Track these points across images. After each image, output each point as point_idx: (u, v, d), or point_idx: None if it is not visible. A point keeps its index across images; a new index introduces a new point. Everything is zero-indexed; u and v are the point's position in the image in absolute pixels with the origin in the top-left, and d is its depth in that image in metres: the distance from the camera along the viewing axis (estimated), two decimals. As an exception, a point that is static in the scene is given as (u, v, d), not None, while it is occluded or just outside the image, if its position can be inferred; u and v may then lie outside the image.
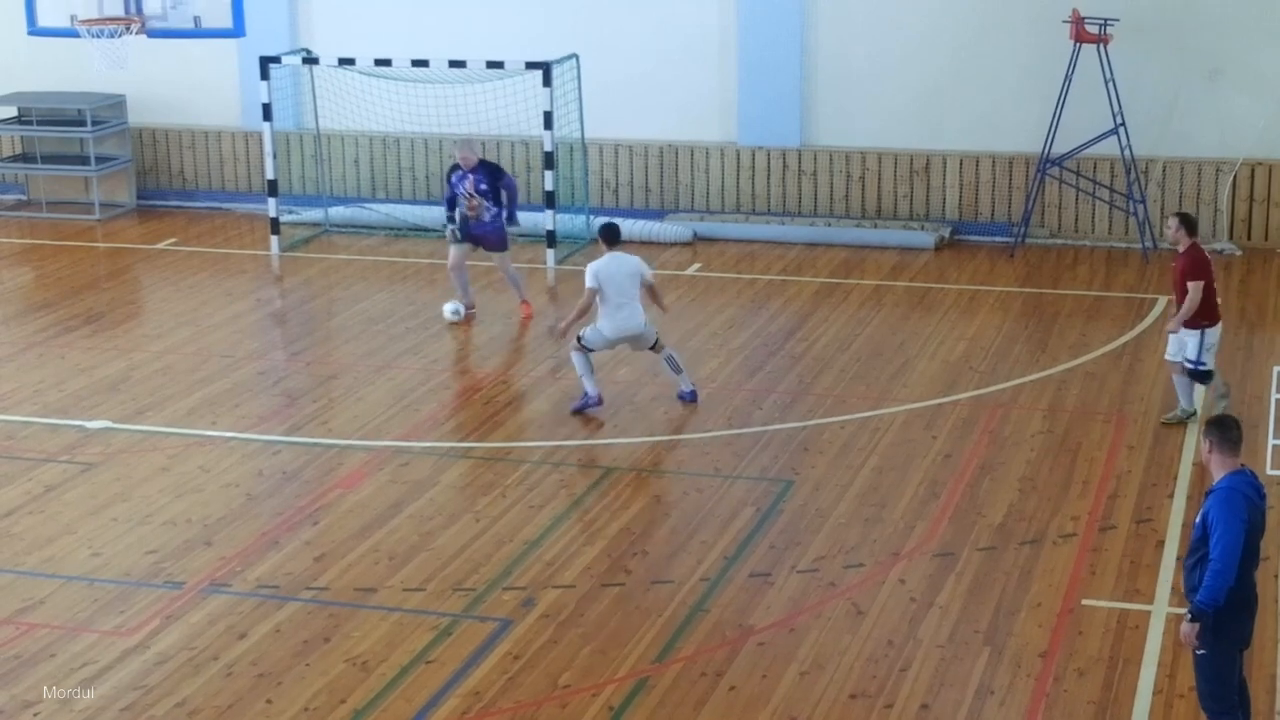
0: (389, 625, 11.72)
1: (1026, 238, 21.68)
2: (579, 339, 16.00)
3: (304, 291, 20.58)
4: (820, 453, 14.79)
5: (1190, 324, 14.77)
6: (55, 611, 12.03)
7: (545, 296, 20.23)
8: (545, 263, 21.20)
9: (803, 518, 13.42)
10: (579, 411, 15.93)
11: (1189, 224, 14.95)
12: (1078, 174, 21.59)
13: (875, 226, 22.20)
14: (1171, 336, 14.98)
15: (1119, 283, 19.73)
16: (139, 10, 21.09)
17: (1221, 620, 9.12)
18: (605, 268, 15.85)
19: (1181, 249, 14.91)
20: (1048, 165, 21.34)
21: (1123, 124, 20.80)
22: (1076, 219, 21.86)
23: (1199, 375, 14.90)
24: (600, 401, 15.96)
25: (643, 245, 22.05)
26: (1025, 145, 21.69)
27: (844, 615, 11.75)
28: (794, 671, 10.98)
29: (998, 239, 21.91)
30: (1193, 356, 14.78)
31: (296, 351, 18.10)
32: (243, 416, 16.05)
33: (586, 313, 16.11)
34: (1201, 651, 9.26)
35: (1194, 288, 14.64)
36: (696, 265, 21.21)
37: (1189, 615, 9.14)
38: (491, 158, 23.38)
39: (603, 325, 15.91)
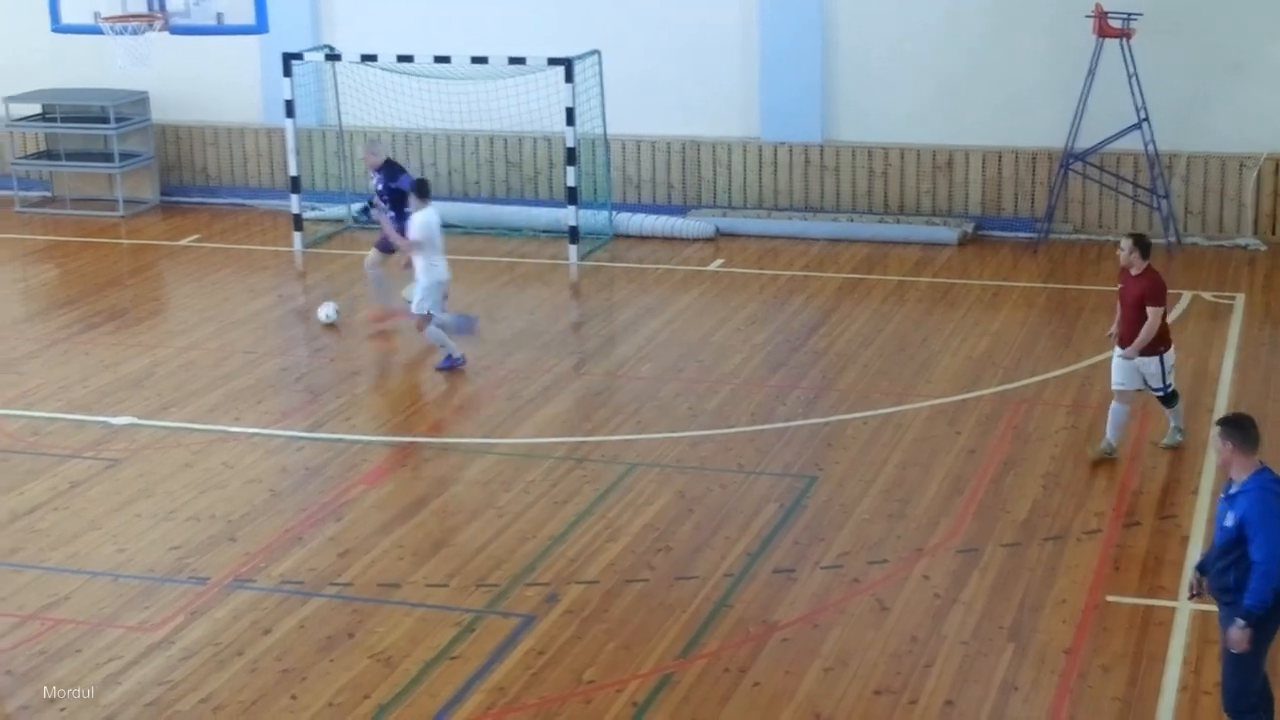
0: (413, 621, 11.74)
1: (1050, 233, 21.62)
2: (425, 316, 16.86)
3: (327, 288, 20.58)
4: (844, 449, 14.77)
5: (1147, 351, 14.05)
6: (80, 607, 12.06)
7: (568, 292, 20.24)
8: (568, 259, 21.19)
9: (826, 514, 13.41)
10: (449, 369, 16.89)
11: (1144, 246, 14.17)
12: (1101, 169, 21.53)
13: (898, 222, 22.16)
14: (1119, 364, 14.24)
15: (1143, 278, 19.64)
16: (162, 7, 21.13)
17: (1263, 619, 9.10)
18: (431, 220, 16.92)
19: (1135, 272, 14.12)
20: (1071, 160, 21.29)
21: (1146, 119, 20.74)
22: (1100, 214, 21.80)
23: (1167, 399, 14.31)
24: (464, 360, 17.03)
25: (665, 241, 22.08)
26: (1048, 140, 21.63)
27: (868, 611, 11.74)
28: (818, 667, 10.97)
29: (1021, 234, 21.86)
30: (1157, 384, 14.16)
31: (319, 348, 18.10)
32: (266, 412, 16.08)
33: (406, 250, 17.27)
34: (1241, 651, 9.20)
35: (1155, 313, 13.93)
36: (719, 261, 21.20)
37: (1240, 620, 9.07)
38: (514, 154, 23.46)
39: (429, 281, 16.84)
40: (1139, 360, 14.12)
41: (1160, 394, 14.29)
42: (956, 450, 14.65)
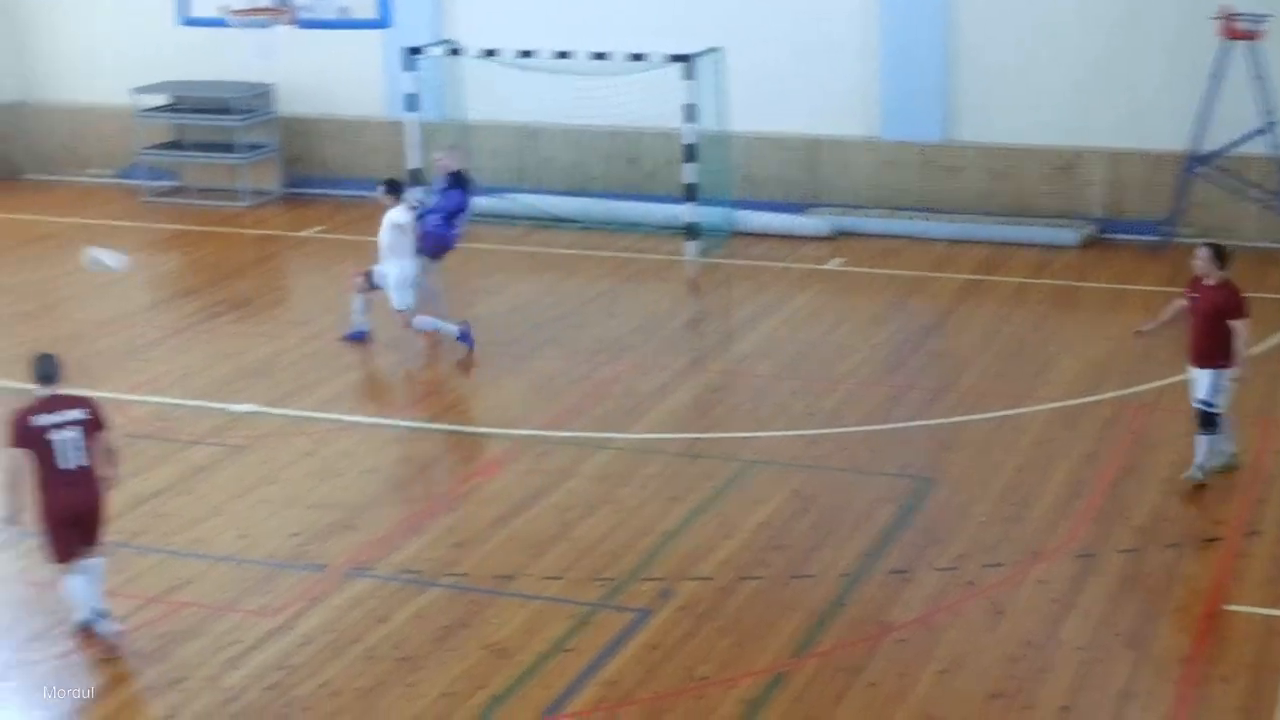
0: (528, 612, 11.81)
1: (1174, 237, 21.35)
2: (409, 310, 17.51)
3: (445, 280, 20.66)
4: (961, 450, 14.69)
5: (1207, 362, 13.48)
6: (203, 591, 12.25)
7: (686, 289, 20.25)
8: (686, 255, 21.18)
9: (943, 515, 13.34)
10: (468, 344, 17.43)
11: (1222, 256, 13.55)
12: (1227, 173, 21.24)
13: (1019, 223, 21.99)
14: (1195, 382, 13.65)
15: (1268, 284, 19.32)
16: (288, 2, 21.41)
17: None
18: (401, 219, 17.42)
19: (1212, 282, 13.51)
20: (1196, 163, 21.02)
21: (1273, 122, 20.43)
22: (1225, 219, 21.49)
23: (1207, 420, 13.57)
24: (469, 327, 17.65)
25: (784, 239, 22.03)
26: (1173, 142, 21.36)
27: (983, 614, 11.67)
28: (933, 670, 10.93)
29: (1143, 237, 21.60)
30: (1204, 396, 13.51)
31: (438, 340, 18.22)
32: (385, 403, 16.25)
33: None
34: None
35: (1243, 325, 13.38)
36: (838, 260, 21.13)
37: None
38: (633, 150, 23.50)
39: (401, 276, 17.39)
40: (1197, 371, 13.63)
41: (1201, 409, 13.62)
42: (1075, 454, 14.53)
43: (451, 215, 18.38)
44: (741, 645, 11.31)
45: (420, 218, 18.15)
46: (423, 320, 17.58)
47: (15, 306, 19.77)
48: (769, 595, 12.04)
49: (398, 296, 17.48)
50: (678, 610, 11.80)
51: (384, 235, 17.48)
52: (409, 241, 17.47)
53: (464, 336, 17.53)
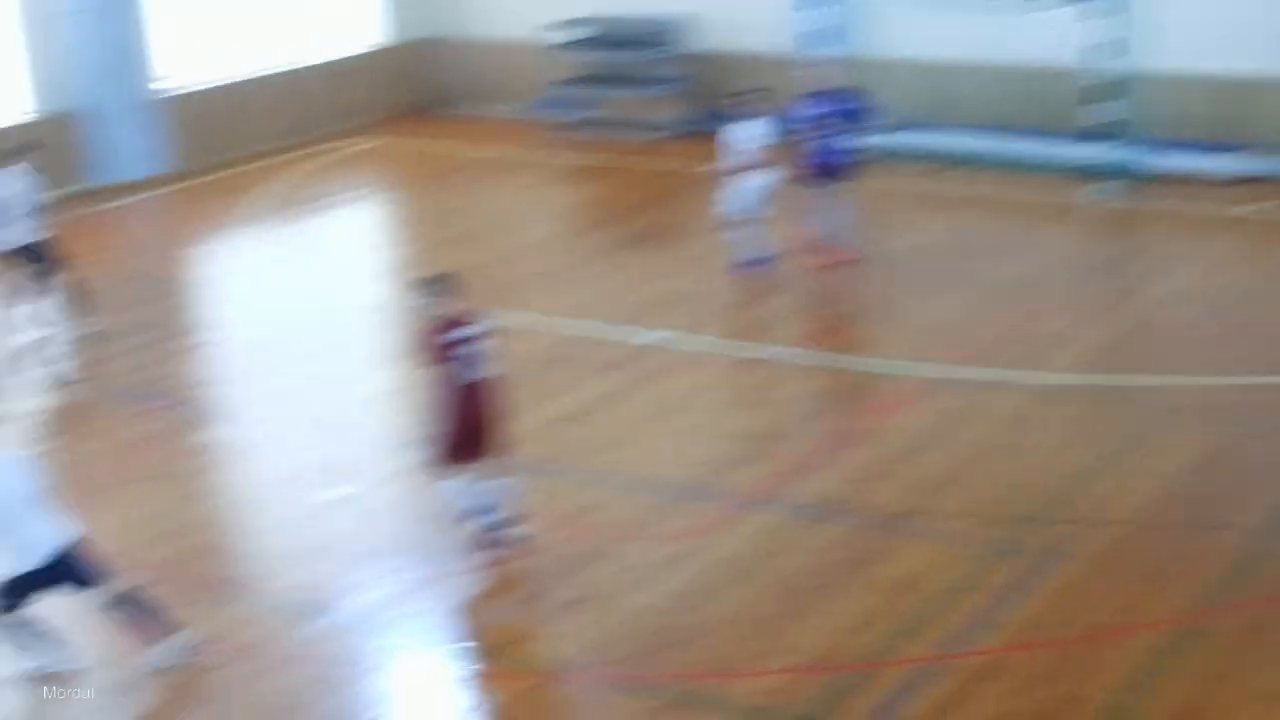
0: (930, 550, 11.70)
1: None
2: (724, 219, 18.02)
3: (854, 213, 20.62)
4: (1392, 405, 13.98)
5: None
6: (609, 515, 12.49)
7: (1095, 230, 19.71)
8: (1096, 196, 20.58)
9: (1372, 471, 12.72)
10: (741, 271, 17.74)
11: None
12: None
13: None
14: None
15: None
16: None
17: None
18: (745, 132, 17.71)
19: None
20: None
21: None
22: None
23: None
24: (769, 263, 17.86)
25: (1202, 183, 21.18)
26: None
27: None
28: (1358, 630, 10.45)
29: None
30: None
31: (846, 277, 18.07)
32: (789, 337, 16.28)
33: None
34: None
35: None
36: (1262, 204, 20.23)
37: None
38: (1042, 88, 22.87)
39: (749, 182, 17.78)
40: None
41: None
42: None
43: (833, 135, 18.04)
44: (1148, 594, 10.98)
45: (797, 137, 18.21)
46: (730, 236, 17.87)
47: (439, 233, 20.56)
48: (1181, 544, 11.66)
49: (726, 201, 17.88)
50: (1084, 554, 11.53)
51: (735, 146, 17.75)
52: (752, 154, 17.64)
53: (747, 264, 17.69)
